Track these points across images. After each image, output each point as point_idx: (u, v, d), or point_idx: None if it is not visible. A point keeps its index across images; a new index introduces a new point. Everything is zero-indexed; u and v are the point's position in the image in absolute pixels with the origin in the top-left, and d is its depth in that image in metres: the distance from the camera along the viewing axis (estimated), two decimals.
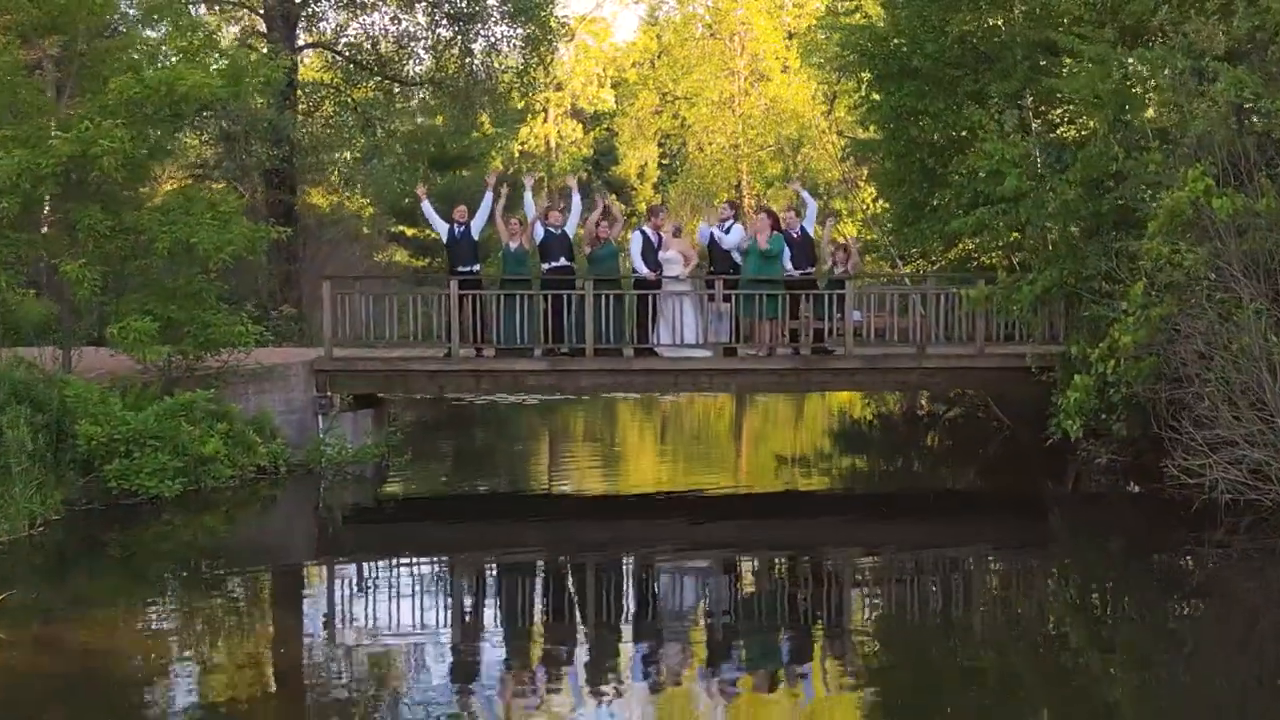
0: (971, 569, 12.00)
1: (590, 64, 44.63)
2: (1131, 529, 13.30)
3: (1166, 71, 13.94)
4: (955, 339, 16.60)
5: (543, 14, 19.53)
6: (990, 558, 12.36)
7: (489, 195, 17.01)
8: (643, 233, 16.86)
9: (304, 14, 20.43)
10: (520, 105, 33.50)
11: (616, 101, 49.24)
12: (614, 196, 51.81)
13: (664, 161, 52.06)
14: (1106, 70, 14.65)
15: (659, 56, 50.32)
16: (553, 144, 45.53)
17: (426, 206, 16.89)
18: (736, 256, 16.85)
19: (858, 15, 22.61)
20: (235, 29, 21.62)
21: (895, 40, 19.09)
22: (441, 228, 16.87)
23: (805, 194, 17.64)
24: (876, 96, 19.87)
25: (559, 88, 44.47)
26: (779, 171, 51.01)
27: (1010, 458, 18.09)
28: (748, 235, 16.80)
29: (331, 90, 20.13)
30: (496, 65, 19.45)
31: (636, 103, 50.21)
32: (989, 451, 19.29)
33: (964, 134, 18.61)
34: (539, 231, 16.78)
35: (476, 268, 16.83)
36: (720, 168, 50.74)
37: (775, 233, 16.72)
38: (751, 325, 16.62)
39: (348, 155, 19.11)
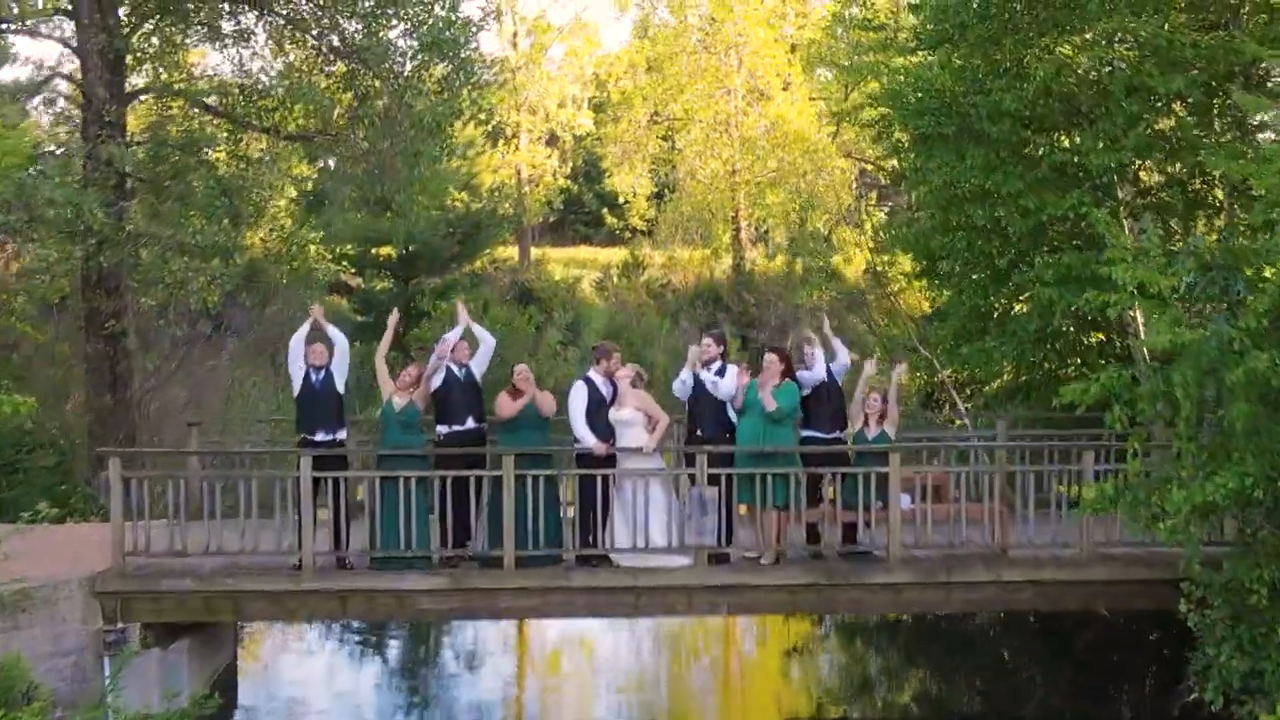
0: None
1: (566, 83, 39.06)
2: None
3: None
4: (1048, 522, 11.31)
5: (462, 52, 14.14)
6: None
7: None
8: (588, 383, 11.44)
9: (141, 50, 14.92)
10: (465, 139, 28.13)
11: (597, 125, 43.69)
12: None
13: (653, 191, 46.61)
14: None
15: (648, 72, 44.79)
16: (524, 174, 40.03)
17: (297, 341, 11.34)
18: (730, 414, 11.48)
19: (878, 34, 16.91)
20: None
21: (953, 87, 13.69)
22: (296, 372, 11.37)
23: (837, 340, 12.11)
24: (915, 160, 14.51)
25: (532, 111, 39.00)
26: (779, 200, 45.66)
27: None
28: (744, 383, 11.44)
29: (177, 150, 14.73)
30: (407, 112, 14.08)
31: (621, 123, 44.73)
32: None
33: (1049, 222, 13.24)
34: (436, 380, 11.37)
35: (341, 435, 11.40)
36: (715, 196, 45.31)
37: (786, 380, 11.35)
38: (751, 518, 11.34)
39: (202, 228, 13.58)
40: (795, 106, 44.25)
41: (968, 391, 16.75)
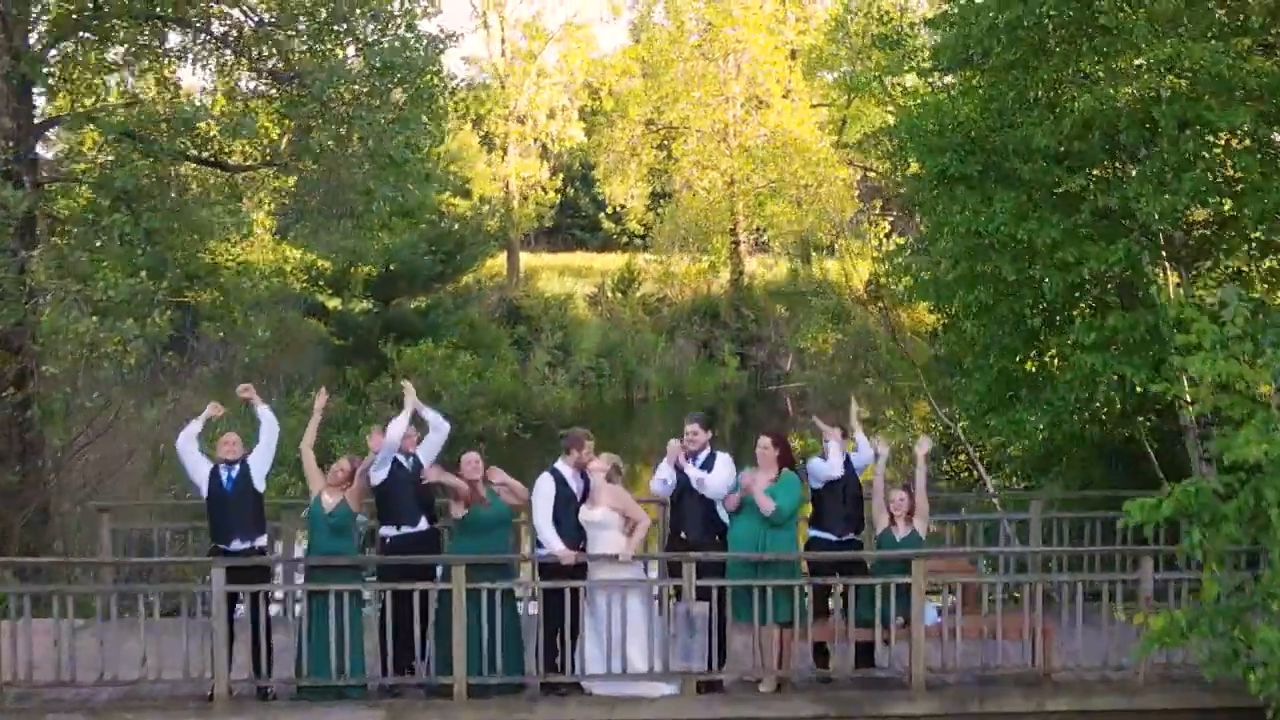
0: None
1: (557, 93, 37.24)
2: None
3: None
4: (1097, 631, 9.61)
5: (421, 78, 12.25)
6: None
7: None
8: (555, 476, 9.67)
9: (56, 76, 13.00)
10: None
11: (589, 133, 41.91)
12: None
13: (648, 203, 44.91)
14: None
15: (643, 77, 42.97)
16: (514, 187, 38.26)
17: (187, 440, 9.50)
18: (722, 513, 9.74)
19: (893, 53, 15.00)
20: None
21: (978, 120, 11.95)
22: (200, 470, 9.53)
23: (862, 438, 10.18)
24: (934, 201, 12.77)
25: (521, 120, 37.27)
26: (780, 211, 43.86)
27: None
28: (733, 476, 9.71)
29: (92, 188, 12.79)
30: (357, 145, 12.29)
31: (615, 129, 42.99)
32: None
33: (1091, 278, 11.51)
34: (378, 474, 9.61)
35: (260, 541, 9.63)
36: (713, 208, 43.56)
37: (785, 471, 9.63)
38: (748, 637, 9.63)
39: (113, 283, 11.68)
40: (796, 115, 42.50)
41: (985, 446, 14.98)
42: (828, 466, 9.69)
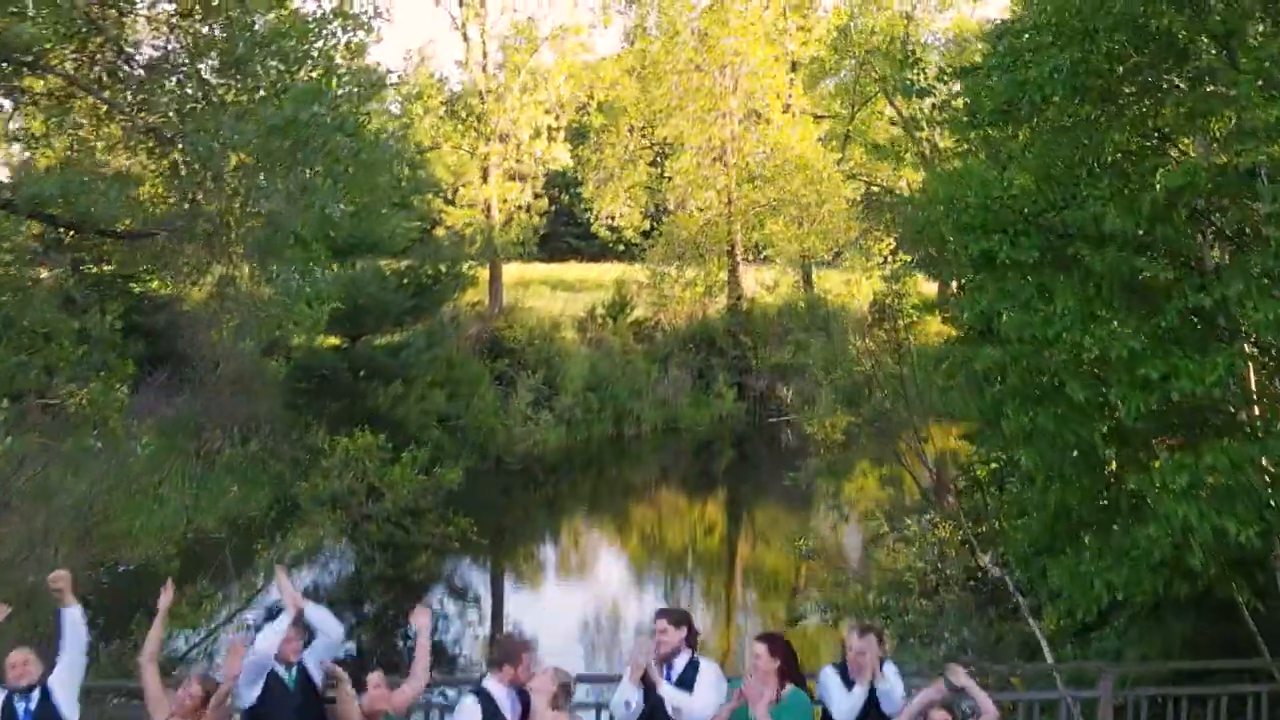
0: None
1: (540, 112, 34.71)
2: None
3: None
4: None
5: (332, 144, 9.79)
6: None
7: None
8: (482, 699, 7.16)
9: None
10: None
11: (576, 153, 39.44)
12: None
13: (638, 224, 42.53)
14: None
15: (638, 88, 40.43)
16: (494, 210, 35.76)
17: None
18: None
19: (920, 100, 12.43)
20: None
21: (1037, 195, 9.50)
22: None
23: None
24: (977, 292, 10.30)
25: (503, 139, 34.80)
26: (780, 229, 41.39)
27: None
28: (723, 695, 7.25)
29: None
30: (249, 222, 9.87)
31: (603, 149, 40.56)
32: None
33: (1182, 401, 9.03)
34: (247, 696, 7.13)
35: None
36: (710, 227, 41.09)
37: (791, 688, 7.17)
38: None
39: None
40: (798, 130, 40.06)
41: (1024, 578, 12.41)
42: (845, 697, 7.22)
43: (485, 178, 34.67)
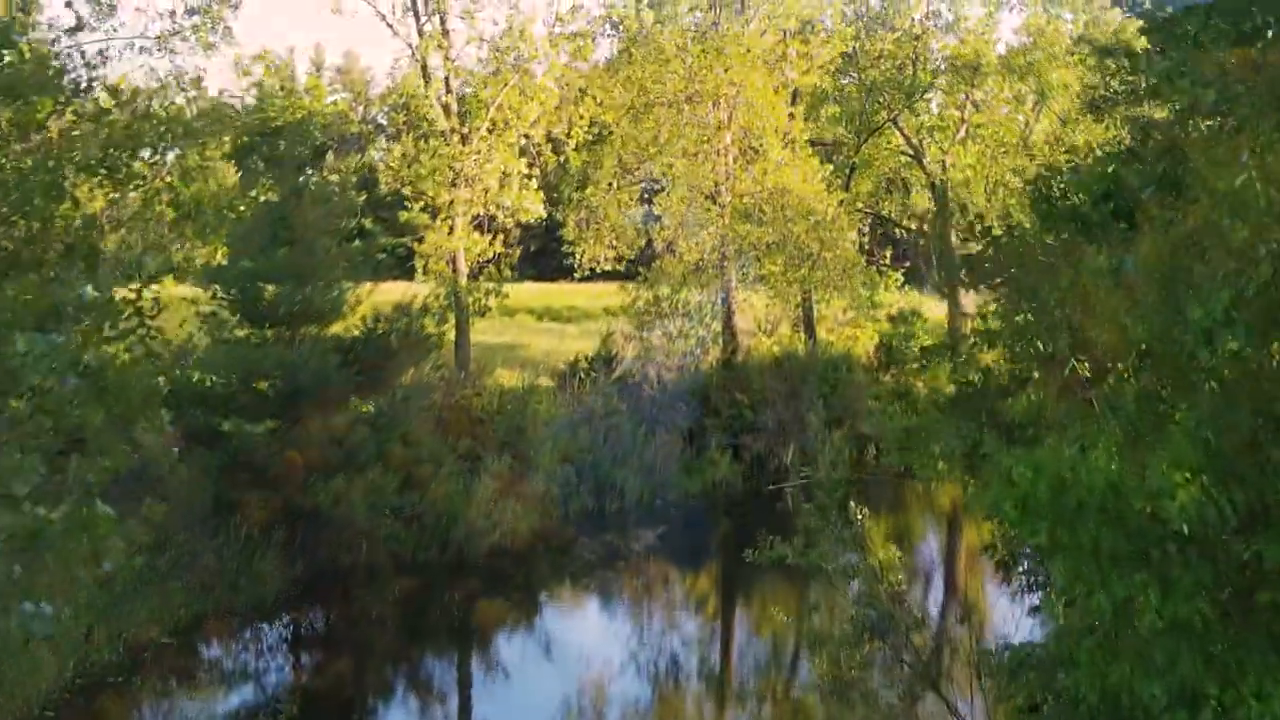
0: None
1: (509, 156, 31.17)
2: None
3: None
4: None
5: None
6: None
7: None
8: None
9: None
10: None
11: (555, 198, 36.02)
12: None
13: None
14: None
15: (626, 117, 36.97)
16: (461, 264, 32.27)
17: None
18: None
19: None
20: None
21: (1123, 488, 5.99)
22: None
23: None
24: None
25: (470, 183, 31.33)
26: (779, 272, 37.92)
27: None
28: None
29: None
30: None
31: (587, 190, 37.12)
32: None
33: None
34: None
35: None
36: (698, 275, 37.57)
37: None
38: None
39: None
40: (799, 167, 36.53)
41: None
42: None
43: (451, 229, 31.19)
